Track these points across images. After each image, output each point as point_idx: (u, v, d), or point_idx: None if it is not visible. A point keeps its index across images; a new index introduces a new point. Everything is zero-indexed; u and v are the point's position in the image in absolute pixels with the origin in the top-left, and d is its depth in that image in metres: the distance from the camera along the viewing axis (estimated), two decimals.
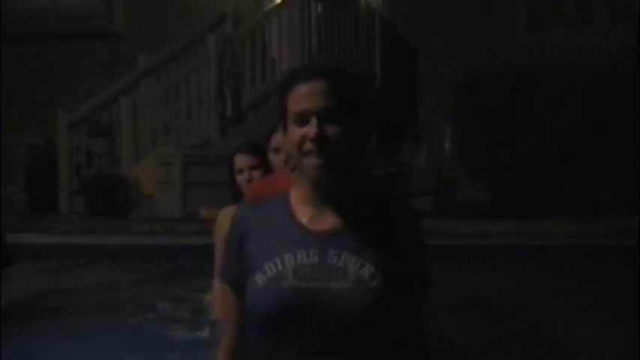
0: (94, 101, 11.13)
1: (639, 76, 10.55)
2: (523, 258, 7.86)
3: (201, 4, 12.51)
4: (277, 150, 3.96)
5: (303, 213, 2.02)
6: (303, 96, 1.99)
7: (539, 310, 6.14)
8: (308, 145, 1.96)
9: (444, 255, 7.49)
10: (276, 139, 3.90)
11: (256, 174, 4.32)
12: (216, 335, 4.26)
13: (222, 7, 11.76)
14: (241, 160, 4.43)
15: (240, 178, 4.39)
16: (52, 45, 12.53)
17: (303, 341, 1.92)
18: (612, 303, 6.25)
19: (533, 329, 5.63)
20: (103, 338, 5.17)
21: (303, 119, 1.98)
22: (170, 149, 10.65)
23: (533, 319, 5.92)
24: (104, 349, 4.95)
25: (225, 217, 4.11)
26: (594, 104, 10.59)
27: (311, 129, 1.96)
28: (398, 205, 2.09)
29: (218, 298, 4.47)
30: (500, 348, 5.15)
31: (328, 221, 2.00)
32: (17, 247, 7.80)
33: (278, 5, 11.12)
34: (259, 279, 1.96)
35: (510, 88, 11.01)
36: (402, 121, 10.96)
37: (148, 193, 10.50)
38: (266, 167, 4.25)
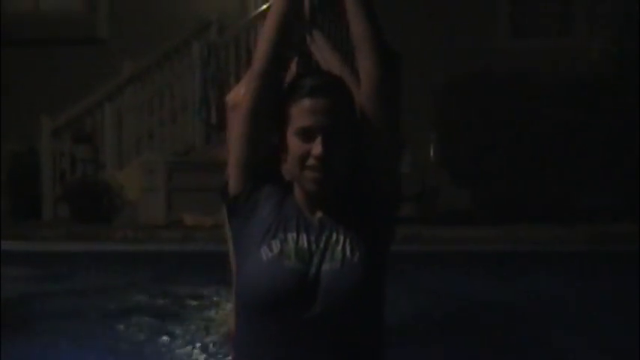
0: (77, 107, 11.12)
1: (618, 83, 10.67)
2: (506, 264, 7.88)
3: (186, 10, 12.51)
4: None
5: (301, 202, 2.11)
6: (310, 111, 2.03)
7: (522, 317, 6.17)
8: (311, 162, 2.03)
9: (426, 261, 7.52)
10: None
11: None
12: None
13: (207, 13, 11.77)
14: None
15: None
16: (35, 51, 12.48)
17: (296, 319, 2.00)
18: (595, 309, 6.28)
19: (516, 335, 5.66)
20: (85, 346, 5.18)
21: (307, 135, 2.03)
22: (154, 156, 10.65)
23: (516, 324, 5.95)
24: (86, 356, 4.96)
25: None
26: (576, 110, 10.65)
27: (316, 148, 2.01)
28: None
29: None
30: (485, 355, 5.18)
31: (320, 212, 2.09)
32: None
33: (263, 12, 11.12)
34: (264, 254, 2.03)
35: (492, 94, 11.05)
36: None
37: (132, 199, 10.50)
38: None
